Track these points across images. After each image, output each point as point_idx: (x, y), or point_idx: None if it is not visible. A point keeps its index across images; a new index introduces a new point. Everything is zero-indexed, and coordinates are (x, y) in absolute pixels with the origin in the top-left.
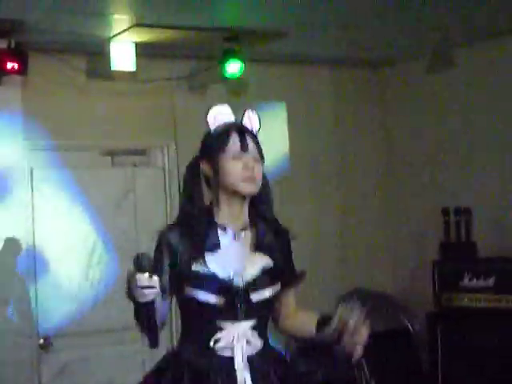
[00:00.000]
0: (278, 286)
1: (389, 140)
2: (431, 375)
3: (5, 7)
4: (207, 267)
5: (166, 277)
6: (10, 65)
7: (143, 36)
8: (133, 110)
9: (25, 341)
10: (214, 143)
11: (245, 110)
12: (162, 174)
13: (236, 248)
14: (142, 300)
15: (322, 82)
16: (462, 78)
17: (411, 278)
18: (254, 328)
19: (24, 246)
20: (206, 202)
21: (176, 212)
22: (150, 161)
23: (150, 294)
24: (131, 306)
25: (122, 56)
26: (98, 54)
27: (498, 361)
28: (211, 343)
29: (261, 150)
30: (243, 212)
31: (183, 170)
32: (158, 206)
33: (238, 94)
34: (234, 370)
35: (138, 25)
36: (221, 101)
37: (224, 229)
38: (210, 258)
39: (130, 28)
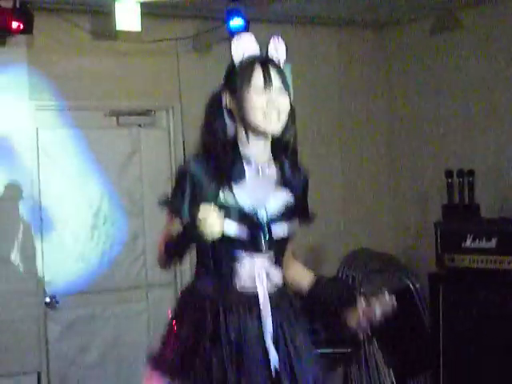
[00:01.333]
0: (295, 224)
1: (393, 102)
2: (433, 335)
3: None
4: (233, 198)
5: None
6: (15, 24)
7: None
8: (138, 71)
9: (32, 299)
10: (237, 77)
11: (271, 38)
12: (167, 135)
13: (260, 182)
14: (208, 236)
15: (326, 42)
16: (465, 39)
17: (414, 239)
18: (272, 262)
19: (30, 207)
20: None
21: None
22: (155, 121)
23: (216, 233)
24: (136, 265)
25: (127, 16)
26: (103, 13)
27: (499, 321)
28: (234, 279)
29: (286, 81)
30: (267, 146)
31: (188, 131)
32: (162, 167)
33: None
34: (257, 306)
35: None
36: (225, 61)
37: (249, 162)
38: (235, 189)
39: None
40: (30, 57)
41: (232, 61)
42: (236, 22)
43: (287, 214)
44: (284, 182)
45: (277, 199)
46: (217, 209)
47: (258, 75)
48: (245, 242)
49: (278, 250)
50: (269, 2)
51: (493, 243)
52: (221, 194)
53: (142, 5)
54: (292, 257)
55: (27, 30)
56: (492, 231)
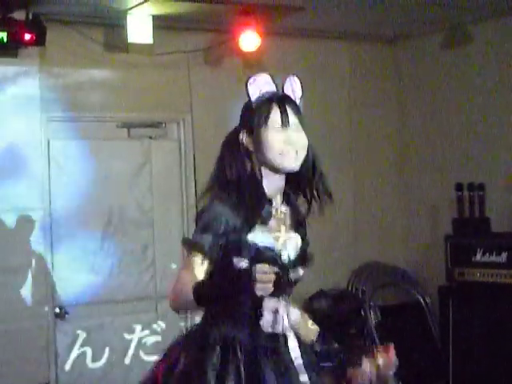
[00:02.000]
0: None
1: (404, 115)
2: (443, 349)
3: None
4: (261, 239)
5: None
6: (27, 36)
7: (160, 8)
8: (149, 83)
9: (41, 309)
10: (254, 116)
11: (286, 77)
12: (178, 147)
13: (277, 221)
14: (260, 293)
15: (338, 56)
16: (476, 53)
17: (424, 252)
18: (290, 303)
19: (41, 217)
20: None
21: (190, 185)
22: (165, 133)
23: (268, 289)
24: (146, 276)
25: (139, 28)
26: (115, 26)
27: (509, 335)
28: (260, 321)
29: (303, 118)
30: (282, 185)
31: (199, 143)
32: (173, 179)
33: (253, 67)
34: (284, 347)
35: None
36: (236, 74)
37: (270, 201)
38: (262, 230)
39: (147, 0)
40: (42, 68)
41: (249, 99)
42: (248, 35)
43: (302, 257)
44: (297, 224)
45: (292, 241)
46: (273, 269)
47: (274, 113)
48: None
49: (291, 293)
50: (281, 16)
51: (503, 257)
52: (249, 235)
53: (154, 18)
54: None
55: (40, 41)
56: (503, 245)
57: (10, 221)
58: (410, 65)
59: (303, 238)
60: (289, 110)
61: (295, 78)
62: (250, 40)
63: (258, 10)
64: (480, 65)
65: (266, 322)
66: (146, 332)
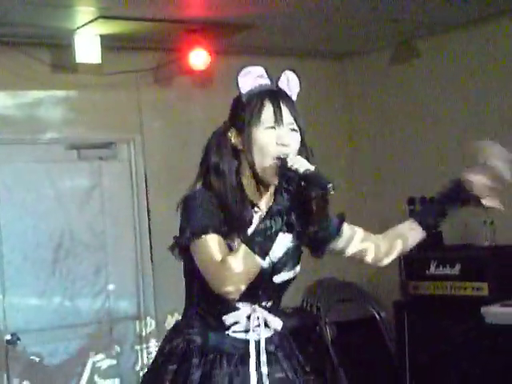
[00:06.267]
0: (299, 265)
1: (353, 131)
2: (399, 363)
3: None
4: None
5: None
6: None
7: (108, 28)
8: (98, 103)
9: None
10: (244, 113)
11: (283, 71)
12: (129, 168)
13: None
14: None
15: None
16: (424, 69)
17: (377, 267)
18: (270, 309)
19: None
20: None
21: (142, 206)
22: (116, 154)
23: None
24: (97, 300)
25: (87, 48)
26: (62, 46)
27: (465, 348)
28: (229, 326)
29: (298, 116)
30: (272, 188)
31: (150, 163)
32: (124, 200)
33: (203, 86)
34: (249, 355)
35: (103, 17)
36: (186, 93)
37: (255, 207)
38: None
39: (94, 20)
40: None
41: (239, 95)
42: (197, 53)
43: (291, 259)
44: (286, 225)
45: (279, 246)
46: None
47: (267, 110)
48: (244, 292)
49: (280, 295)
50: (230, 34)
51: (456, 269)
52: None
53: (102, 37)
54: (369, 234)
55: None
56: (455, 258)
57: None
58: (358, 81)
59: (298, 236)
60: (283, 107)
61: (292, 73)
62: (199, 58)
63: (206, 28)
64: (428, 79)
65: (237, 327)
66: (101, 356)
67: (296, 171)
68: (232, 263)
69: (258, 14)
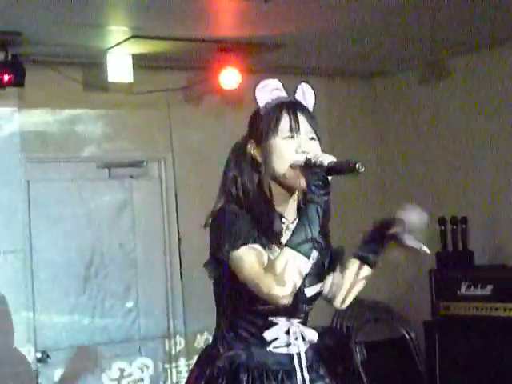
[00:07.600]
0: (326, 279)
1: (382, 150)
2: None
3: (1, 19)
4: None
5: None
6: (6, 77)
7: (140, 47)
8: (129, 122)
9: (23, 354)
10: (262, 124)
11: (298, 84)
12: (159, 186)
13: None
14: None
15: (316, 92)
16: (454, 88)
17: (408, 287)
18: (303, 322)
19: (21, 260)
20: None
21: (172, 224)
22: (146, 172)
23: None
24: (127, 318)
25: (119, 67)
26: (94, 65)
27: (496, 369)
28: (269, 342)
29: (316, 125)
30: (295, 200)
31: (180, 181)
32: (155, 218)
33: (233, 104)
34: (294, 369)
35: (135, 36)
36: (216, 112)
37: (281, 218)
38: (272, 249)
39: (126, 40)
40: (22, 109)
41: (257, 108)
42: (228, 73)
43: (318, 273)
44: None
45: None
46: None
47: (284, 120)
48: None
49: (310, 309)
50: (260, 53)
51: (488, 290)
52: None
53: (134, 56)
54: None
55: (18, 82)
56: (487, 278)
57: None
58: (388, 100)
59: (322, 250)
60: (300, 117)
61: (307, 85)
62: (230, 77)
63: (237, 48)
64: (457, 99)
65: (277, 343)
66: (131, 374)
67: (321, 165)
68: (278, 267)
69: (288, 34)
